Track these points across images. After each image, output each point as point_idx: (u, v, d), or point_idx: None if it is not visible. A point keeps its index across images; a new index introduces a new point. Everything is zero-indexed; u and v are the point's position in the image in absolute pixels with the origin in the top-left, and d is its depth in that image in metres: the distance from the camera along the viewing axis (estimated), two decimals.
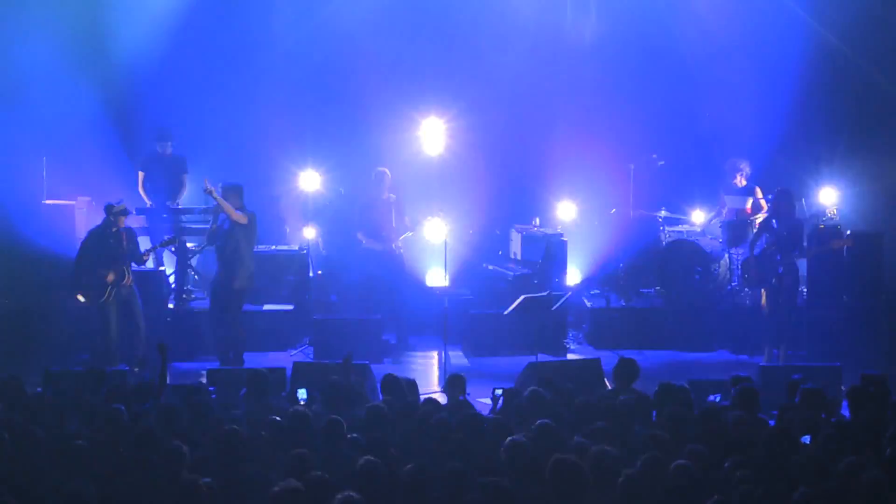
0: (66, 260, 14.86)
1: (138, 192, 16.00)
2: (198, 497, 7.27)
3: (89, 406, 9.52)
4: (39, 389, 10.59)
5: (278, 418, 8.80)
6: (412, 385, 10.41)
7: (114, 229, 13.57)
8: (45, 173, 16.15)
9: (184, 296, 15.45)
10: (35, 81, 16.46)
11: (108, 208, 13.59)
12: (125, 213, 13.65)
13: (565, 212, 16.85)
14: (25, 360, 13.15)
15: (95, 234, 13.66)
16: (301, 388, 10.86)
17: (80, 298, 13.68)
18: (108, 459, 8.05)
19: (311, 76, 17.32)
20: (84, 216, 15.91)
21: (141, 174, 16.04)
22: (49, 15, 16.61)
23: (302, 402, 10.35)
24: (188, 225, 15.82)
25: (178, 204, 15.92)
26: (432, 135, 16.85)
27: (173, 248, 15.48)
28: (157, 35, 16.77)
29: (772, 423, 9.36)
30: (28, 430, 8.56)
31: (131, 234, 13.85)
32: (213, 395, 10.81)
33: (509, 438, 7.93)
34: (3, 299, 15.16)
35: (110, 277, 13.51)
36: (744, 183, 15.84)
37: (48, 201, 16.09)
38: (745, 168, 15.84)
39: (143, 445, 8.01)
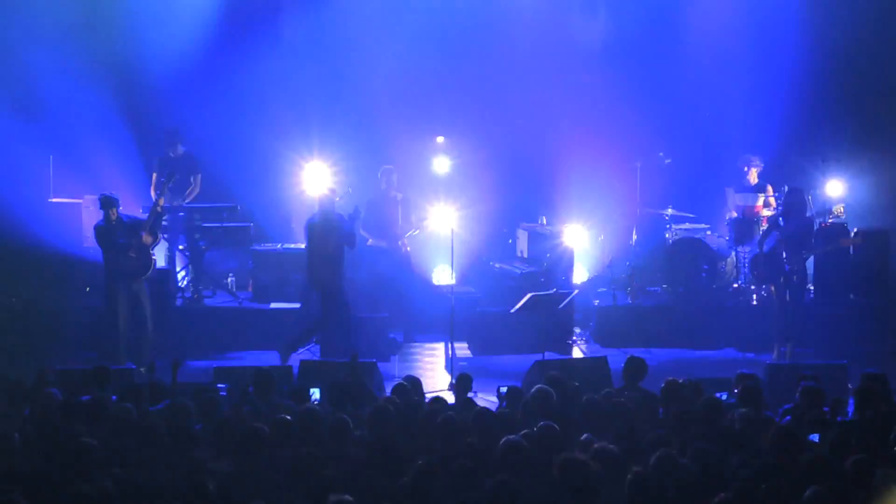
0: (72, 258, 14.96)
1: (149, 193, 15.98)
2: (207, 495, 7.29)
3: (98, 405, 9.53)
4: (53, 389, 10.59)
5: (288, 417, 8.81)
6: (416, 383, 10.43)
7: (113, 220, 13.69)
8: (51, 171, 16.17)
9: (195, 295, 15.48)
10: (42, 79, 16.48)
11: (104, 201, 13.74)
12: (110, 201, 13.75)
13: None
14: (33, 358, 13.17)
15: (103, 229, 13.75)
16: (308, 386, 10.86)
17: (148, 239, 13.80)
18: (119, 458, 8.07)
19: (319, 80, 17.33)
20: (90, 214, 15.92)
21: (154, 176, 16.01)
22: (57, 13, 16.63)
23: (315, 402, 10.36)
24: (200, 223, 15.78)
25: (185, 201, 15.88)
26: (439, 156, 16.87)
27: (181, 247, 15.53)
28: (166, 31, 16.79)
29: (781, 420, 9.36)
30: (38, 429, 8.58)
31: (130, 218, 13.98)
32: (224, 393, 10.84)
33: (504, 438, 7.93)
34: (10, 298, 15.19)
35: (147, 239, 13.63)
36: (756, 180, 15.85)
37: (55, 199, 16.11)
38: (759, 165, 15.86)
39: (153, 443, 8.02)
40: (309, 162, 16.35)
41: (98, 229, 13.86)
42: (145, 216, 14.18)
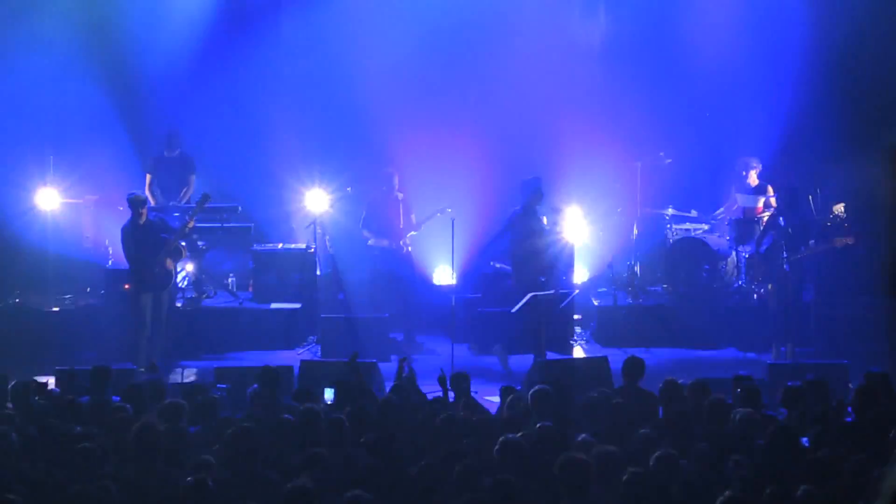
0: (72, 258, 14.98)
1: (145, 194, 15.96)
2: (205, 496, 7.28)
3: (97, 405, 9.53)
4: (57, 389, 10.61)
5: (289, 416, 8.80)
6: (413, 382, 10.43)
7: (141, 221, 13.67)
8: (51, 172, 16.17)
9: (204, 295, 15.48)
10: (43, 79, 16.49)
11: (133, 200, 13.69)
12: (144, 202, 13.75)
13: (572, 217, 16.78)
14: (32, 358, 13.18)
15: (130, 231, 13.72)
16: (311, 386, 10.85)
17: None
18: (116, 458, 8.06)
19: (319, 79, 17.31)
20: (91, 215, 15.94)
21: (148, 177, 16.00)
22: (59, 14, 16.63)
23: (329, 403, 10.34)
24: (197, 224, 15.77)
25: (181, 202, 15.87)
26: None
27: (183, 244, 15.51)
28: (166, 31, 16.79)
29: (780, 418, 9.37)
30: (37, 429, 8.58)
31: (161, 220, 13.97)
32: (224, 394, 10.84)
33: (502, 438, 7.92)
34: (11, 298, 15.21)
35: (170, 264, 13.65)
36: (756, 181, 15.83)
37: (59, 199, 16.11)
38: (757, 166, 15.84)
39: (147, 443, 8.00)
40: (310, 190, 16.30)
41: (124, 231, 13.83)
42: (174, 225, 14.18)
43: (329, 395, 10.61)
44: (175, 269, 13.95)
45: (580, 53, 17.63)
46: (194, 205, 15.04)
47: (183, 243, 15.04)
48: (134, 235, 13.71)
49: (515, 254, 14.12)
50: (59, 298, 15.27)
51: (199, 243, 15.58)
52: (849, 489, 7.29)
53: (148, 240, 13.70)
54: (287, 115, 17.05)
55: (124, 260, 14.02)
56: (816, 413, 9.16)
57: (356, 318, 14.85)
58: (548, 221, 14.45)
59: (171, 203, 15.74)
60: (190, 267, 15.34)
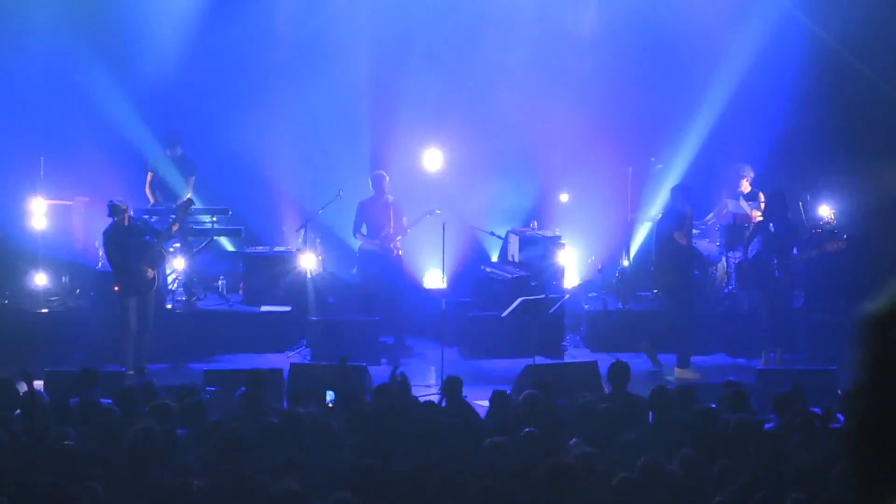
0: (62, 260, 14.94)
1: (144, 193, 15.93)
2: (192, 499, 7.27)
3: (85, 407, 9.51)
4: (42, 390, 10.58)
5: (275, 420, 8.80)
6: (405, 386, 10.42)
7: (126, 224, 13.62)
8: (42, 173, 16.14)
9: (194, 298, 15.46)
10: (34, 79, 16.46)
11: (113, 208, 13.61)
12: (116, 209, 13.65)
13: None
14: (21, 360, 13.14)
15: (113, 235, 13.65)
16: (310, 389, 10.84)
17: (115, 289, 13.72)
18: (104, 461, 8.04)
19: (311, 81, 17.30)
20: (82, 216, 15.90)
21: (149, 175, 15.95)
22: (54, 11, 16.60)
23: (330, 405, 10.34)
24: (193, 226, 15.75)
25: (178, 203, 15.83)
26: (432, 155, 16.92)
27: (172, 248, 15.49)
28: (161, 32, 16.78)
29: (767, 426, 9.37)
30: (25, 431, 8.57)
31: (144, 223, 13.93)
32: (212, 396, 10.82)
33: (489, 440, 7.92)
34: (2, 300, 15.20)
35: (151, 273, 13.60)
36: (748, 189, 15.83)
37: (45, 201, 16.07)
38: (750, 173, 15.85)
39: (141, 447, 7.99)
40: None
41: (106, 236, 13.76)
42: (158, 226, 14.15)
43: (330, 396, 10.60)
44: (156, 275, 13.85)
45: (572, 58, 17.64)
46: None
47: (176, 244, 15.06)
48: (117, 240, 13.64)
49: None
50: (47, 300, 15.23)
51: (193, 245, 15.57)
52: (835, 495, 7.30)
53: (132, 243, 13.63)
54: (279, 118, 17.05)
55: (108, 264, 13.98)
56: (803, 419, 9.18)
57: (346, 321, 14.84)
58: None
59: (170, 205, 15.70)
60: (180, 267, 15.33)
